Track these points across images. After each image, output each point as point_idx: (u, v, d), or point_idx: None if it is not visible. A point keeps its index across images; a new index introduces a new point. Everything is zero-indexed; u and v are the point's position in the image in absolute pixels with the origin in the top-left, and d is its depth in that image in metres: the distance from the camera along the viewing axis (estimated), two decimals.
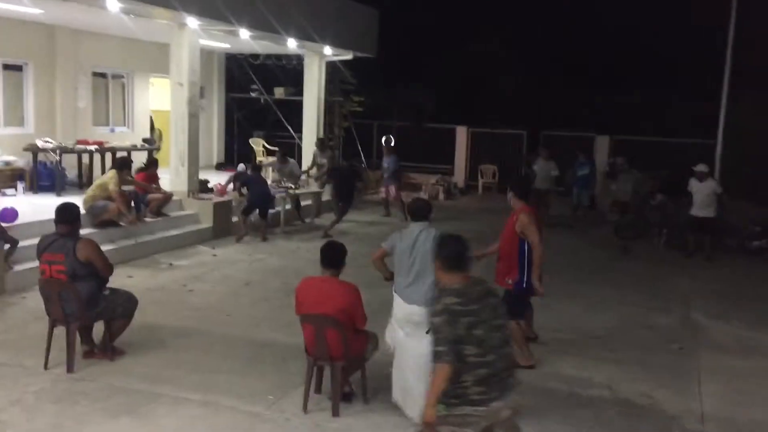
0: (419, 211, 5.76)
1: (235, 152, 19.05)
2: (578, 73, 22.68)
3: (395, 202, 15.03)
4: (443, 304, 3.83)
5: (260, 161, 16.08)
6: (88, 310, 5.96)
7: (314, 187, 14.59)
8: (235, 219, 12.14)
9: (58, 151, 11.90)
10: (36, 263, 7.62)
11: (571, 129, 19.64)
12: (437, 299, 3.96)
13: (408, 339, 5.33)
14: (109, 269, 6.11)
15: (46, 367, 5.97)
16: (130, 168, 11.01)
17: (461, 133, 21.01)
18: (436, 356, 3.74)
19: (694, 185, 11.84)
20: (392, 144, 17.55)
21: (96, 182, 10.52)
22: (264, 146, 17.99)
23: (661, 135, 18.80)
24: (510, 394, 3.94)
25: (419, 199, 6.23)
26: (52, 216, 8.57)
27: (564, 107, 21.89)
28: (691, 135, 18.26)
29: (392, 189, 15.06)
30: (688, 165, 16.48)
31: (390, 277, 5.74)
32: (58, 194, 11.51)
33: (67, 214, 6.05)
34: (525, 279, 6.44)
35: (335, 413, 5.32)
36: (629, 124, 19.57)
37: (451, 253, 4.03)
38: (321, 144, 15.32)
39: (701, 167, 11.96)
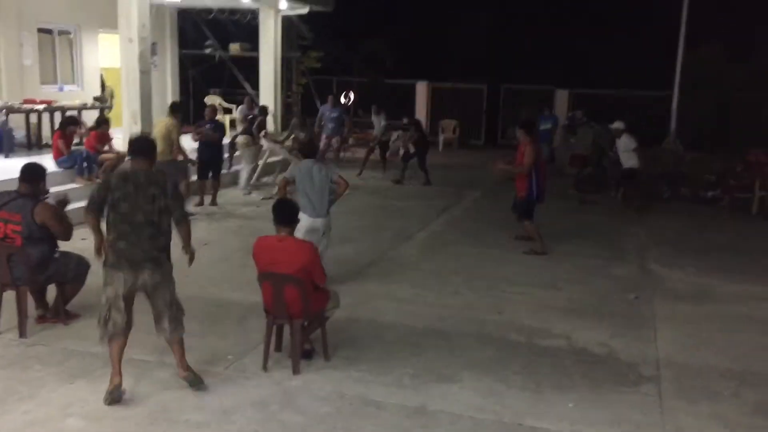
0: (311, 151, 7.91)
1: (190, 110, 18.63)
2: (537, 26, 22.62)
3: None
4: (103, 179, 5.15)
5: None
6: (38, 274, 5.81)
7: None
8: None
9: (4, 111, 11.48)
10: None
11: (531, 83, 19.64)
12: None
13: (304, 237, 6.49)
14: (68, 234, 5.88)
15: None
16: (76, 126, 10.74)
17: (422, 89, 20.86)
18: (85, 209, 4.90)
19: (617, 141, 12.09)
20: (347, 99, 17.45)
21: (157, 136, 9.47)
22: (220, 104, 17.62)
23: (620, 88, 18.91)
24: (143, 267, 4.73)
25: (309, 142, 8.60)
26: (1, 178, 8.34)
27: (524, 61, 21.85)
28: (650, 88, 18.43)
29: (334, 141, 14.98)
30: (647, 117, 16.72)
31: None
32: (6, 155, 11.15)
33: (29, 174, 5.85)
34: (534, 191, 8.77)
35: (296, 371, 5.30)
36: (588, 77, 19.63)
37: (138, 144, 5.03)
38: (303, 123, 14.87)
39: (616, 124, 12.23)
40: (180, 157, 10.13)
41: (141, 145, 5.03)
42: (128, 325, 4.86)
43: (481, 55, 22.19)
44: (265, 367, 5.35)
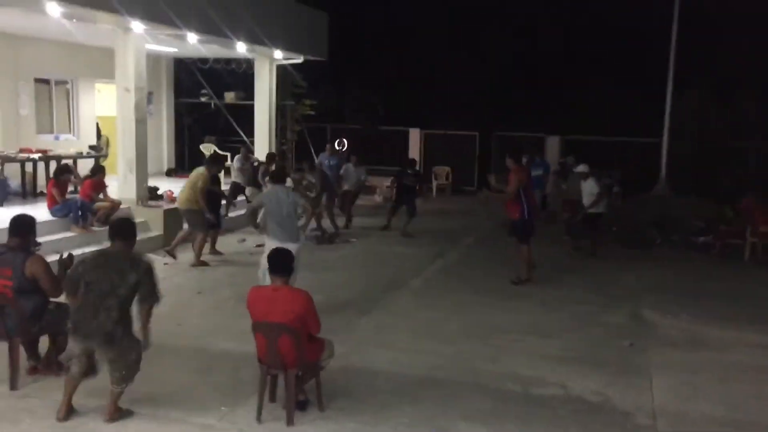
0: (279, 177, 8.25)
1: (185, 158, 18.75)
2: (529, 74, 22.99)
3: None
4: (84, 255, 5.49)
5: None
6: (31, 325, 5.77)
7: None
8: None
9: (0, 160, 11.54)
10: None
11: (523, 129, 19.88)
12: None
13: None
14: (57, 291, 5.75)
15: None
16: (70, 174, 10.83)
17: (414, 135, 21.09)
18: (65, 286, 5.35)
19: (581, 185, 12.15)
20: (341, 146, 17.54)
21: (187, 185, 10.43)
22: (215, 151, 17.73)
23: (610, 134, 19.16)
24: (106, 341, 5.01)
25: (279, 169, 8.90)
26: None
27: (514, 108, 22.14)
28: (641, 134, 18.68)
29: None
30: (637, 163, 16.92)
31: (257, 227, 8.18)
32: (1, 204, 11.16)
33: (19, 227, 5.81)
34: (525, 215, 9.49)
35: (290, 422, 5.25)
36: (579, 124, 19.89)
37: (117, 226, 5.37)
38: (311, 165, 14.80)
39: (581, 168, 12.34)
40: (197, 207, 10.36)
41: (119, 228, 5.36)
42: (84, 374, 5.22)
43: (472, 102, 22.48)
44: (259, 419, 5.30)
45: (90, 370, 5.25)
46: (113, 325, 5.01)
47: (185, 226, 10.78)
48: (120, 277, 5.03)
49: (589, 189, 11.95)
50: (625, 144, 19.06)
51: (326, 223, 13.06)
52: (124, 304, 5.06)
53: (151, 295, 5.20)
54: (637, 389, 6.20)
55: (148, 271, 5.17)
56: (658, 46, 17.51)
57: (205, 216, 10.44)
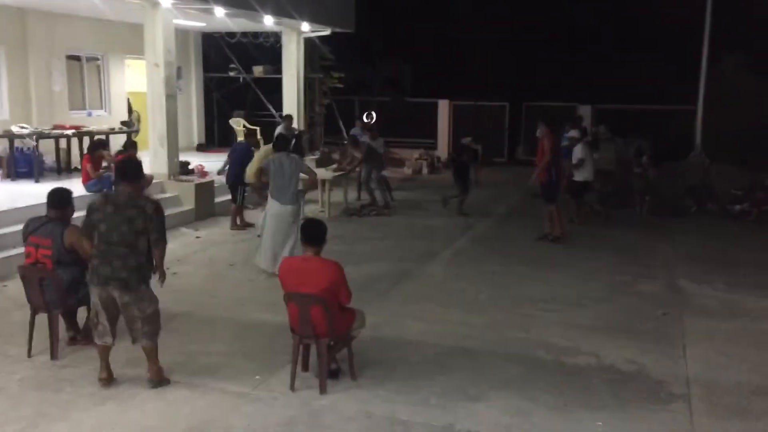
0: (284, 145, 8.92)
1: (215, 133, 18.86)
2: (559, 42, 22.61)
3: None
4: (91, 201, 5.30)
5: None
6: (69, 297, 5.90)
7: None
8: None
9: (34, 137, 11.72)
10: (16, 251, 7.59)
11: (554, 99, 19.60)
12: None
13: (274, 223, 8.33)
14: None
15: (29, 354, 5.91)
16: (105, 150, 10.96)
17: (443, 107, 20.91)
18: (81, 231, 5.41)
19: (574, 150, 11.68)
20: (369, 119, 17.49)
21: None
22: (244, 126, 17.81)
23: (644, 102, 18.81)
24: (121, 286, 5.05)
25: (281, 137, 9.54)
26: (31, 203, 8.52)
27: (546, 78, 21.83)
28: (674, 102, 18.31)
29: None
30: (671, 132, 16.58)
31: (262, 185, 9.06)
32: (37, 180, 11.36)
33: (57, 199, 5.98)
34: (552, 177, 10.29)
35: (323, 390, 5.31)
36: (611, 92, 19.55)
37: (123, 168, 5.34)
38: (354, 140, 14.74)
39: (571, 133, 12.05)
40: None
41: (125, 169, 5.36)
42: (110, 333, 5.30)
43: (503, 73, 22.21)
44: (292, 387, 5.36)
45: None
46: (128, 272, 5.07)
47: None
48: (128, 224, 5.04)
49: (576, 154, 11.63)
50: (658, 112, 18.70)
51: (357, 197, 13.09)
52: (136, 249, 5.09)
53: (159, 239, 5.20)
54: (671, 358, 6.16)
55: (156, 212, 5.14)
56: (693, 13, 17.06)
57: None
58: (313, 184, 8.91)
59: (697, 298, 7.96)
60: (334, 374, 5.55)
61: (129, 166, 5.46)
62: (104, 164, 11.06)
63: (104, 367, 5.37)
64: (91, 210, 5.20)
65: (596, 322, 7.07)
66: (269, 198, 8.52)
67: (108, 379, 5.35)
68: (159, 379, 5.36)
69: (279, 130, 13.97)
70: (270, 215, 8.42)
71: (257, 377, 5.59)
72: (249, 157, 10.92)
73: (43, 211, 6.06)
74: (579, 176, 11.50)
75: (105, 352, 5.37)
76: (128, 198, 5.13)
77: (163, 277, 5.45)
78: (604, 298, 7.89)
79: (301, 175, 8.55)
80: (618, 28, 21.96)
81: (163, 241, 5.26)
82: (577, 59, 22.05)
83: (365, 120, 18.23)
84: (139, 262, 5.13)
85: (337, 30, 16.57)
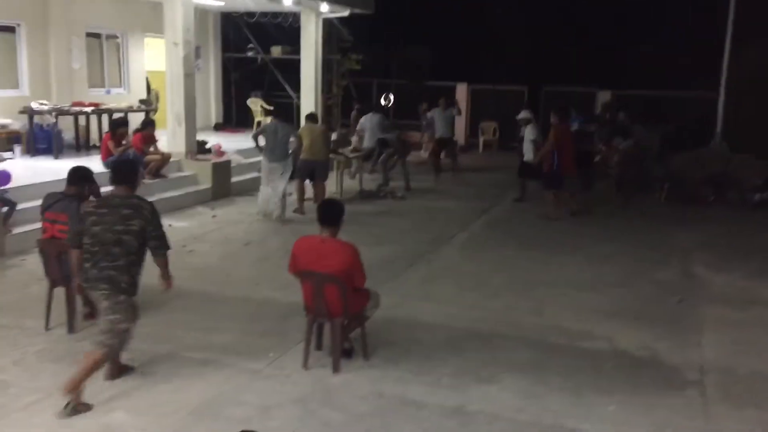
0: (281, 115, 11.18)
1: (233, 112, 18.89)
2: (580, 26, 22.33)
3: None
4: (84, 208, 5.15)
5: None
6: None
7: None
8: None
9: (54, 114, 11.80)
10: (35, 225, 7.66)
11: (573, 84, 19.42)
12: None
13: (267, 175, 10.47)
14: None
15: (47, 328, 5.99)
16: (126, 128, 10.99)
17: (461, 90, 20.78)
18: (69, 240, 5.21)
19: (524, 130, 12.14)
20: (387, 102, 17.50)
21: (318, 140, 10.99)
22: (262, 106, 17.83)
23: (664, 89, 18.59)
24: (105, 287, 4.78)
25: (280, 109, 12.05)
26: (50, 178, 8.58)
27: (565, 62, 21.60)
28: (694, 88, 18.07)
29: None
30: (692, 119, 16.37)
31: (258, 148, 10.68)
32: (56, 157, 11.46)
33: (78, 176, 6.06)
34: (554, 167, 10.74)
35: (336, 369, 5.34)
36: (631, 78, 19.34)
37: (119, 171, 5.17)
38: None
39: (522, 114, 12.46)
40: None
41: (121, 172, 5.14)
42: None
43: (522, 56, 21.99)
44: (305, 365, 5.40)
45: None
46: (117, 272, 4.77)
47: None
48: (123, 222, 4.78)
49: (527, 136, 11.91)
50: (679, 99, 18.47)
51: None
52: (130, 252, 4.80)
53: (160, 244, 4.96)
54: (686, 345, 6.12)
55: (153, 214, 4.89)
56: None
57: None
58: (298, 147, 10.61)
59: (714, 286, 7.90)
60: (347, 353, 5.57)
61: (124, 167, 5.31)
62: (123, 142, 11.13)
63: (78, 381, 4.72)
64: (84, 216, 4.93)
65: (610, 308, 7.04)
66: (263, 155, 10.48)
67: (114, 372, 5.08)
68: (75, 401, 4.67)
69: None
70: (264, 169, 10.55)
71: (270, 355, 5.63)
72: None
73: (62, 188, 6.11)
74: (527, 156, 11.91)
75: (96, 363, 4.88)
76: (123, 198, 4.91)
77: (169, 283, 5.17)
78: (619, 284, 7.85)
79: (292, 139, 10.50)
80: (640, 10, 21.64)
81: (165, 247, 4.99)
82: (598, 43, 21.77)
83: (382, 102, 18.19)
84: (130, 263, 4.82)
85: (356, 11, 16.49)
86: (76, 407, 4.65)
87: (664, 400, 5.09)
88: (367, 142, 14.00)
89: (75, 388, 4.68)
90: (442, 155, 15.34)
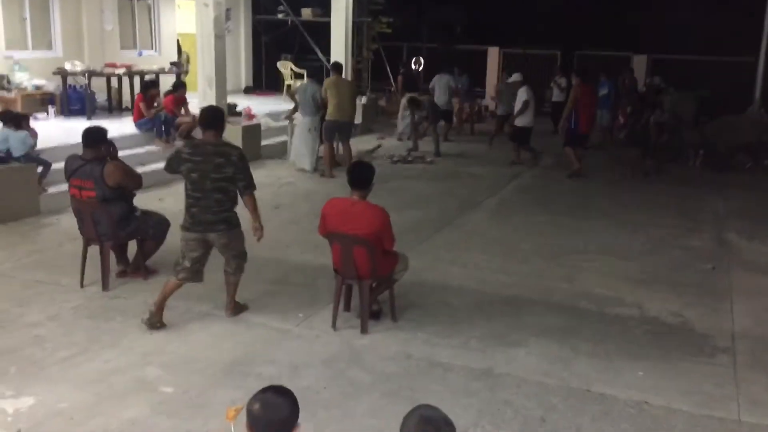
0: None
1: (263, 76, 18.86)
2: None
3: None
4: (177, 149, 5.53)
5: None
6: (120, 230, 6.05)
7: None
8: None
9: (86, 75, 11.89)
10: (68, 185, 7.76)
11: (607, 48, 19.03)
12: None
13: (300, 130, 11.35)
14: (139, 183, 6.20)
15: (81, 285, 6.11)
16: (157, 89, 11.06)
17: (493, 54, 20.52)
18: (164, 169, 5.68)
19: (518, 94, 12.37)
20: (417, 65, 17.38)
21: (349, 96, 11.24)
22: (292, 69, 17.78)
23: (701, 53, 18.13)
24: (223, 227, 5.32)
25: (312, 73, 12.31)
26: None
27: (599, 25, 21.12)
28: (734, 53, 17.60)
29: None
30: (729, 84, 15.97)
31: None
32: (89, 118, 11.56)
33: (90, 138, 6.01)
34: (572, 125, 11.36)
35: (364, 330, 5.39)
36: (667, 41, 18.87)
37: (207, 116, 5.42)
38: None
39: (514, 77, 13.16)
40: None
41: (210, 116, 5.41)
42: (194, 275, 5.43)
43: (555, 19, 21.54)
44: (334, 326, 5.45)
45: (196, 276, 5.44)
46: (218, 215, 5.28)
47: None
48: (218, 170, 5.19)
49: (520, 97, 12.09)
50: (716, 63, 18.01)
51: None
52: (229, 193, 5.29)
53: (247, 184, 5.36)
54: (716, 312, 6.06)
55: (241, 159, 5.27)
56: None
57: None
58: (324, 106, 10.94)
59: (746, 254, 7.79)
60: (376, 315, 5.61)
61: (213, 114, 5.52)
62: (155, 104, 11.20)
63: (159, 304, 5.32)
64: (179, 157, 5.32)
65: (641, 275, 6.98)
66: (298, 112, 11.39)
67: (153, 318, 5.29)
68: (236, 312, 5.61)
69: None
70: (296, 124, 11.48)
71: (300, 315, 5.69)
72: None
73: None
74: (520, 122, 12.11)
75: (171, 289, 5.38)
76: (214, 146, 5.26)
77: (260, 233, 5.55)
78: (650, 251, 7.77)
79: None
80: None
81: (251, 187, 5.38)
82: (632, 6, 21.23)
83: (413, 66, 18.03)
84: (232, 200, 5.34)
85: None
86: (240, 309, 5.67)
87: (694, 366, 5.06)
88: (439, 101, 14.29)
89: (235, 304, 5.62)
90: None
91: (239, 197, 5.42)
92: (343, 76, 12.99)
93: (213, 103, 11.93)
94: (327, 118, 10.99)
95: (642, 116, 13.99)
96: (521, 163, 12.45)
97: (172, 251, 6.70)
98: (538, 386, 4.71)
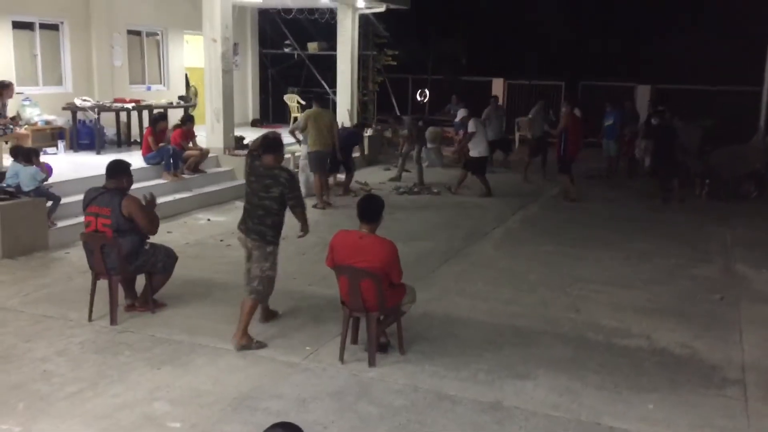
0: (320, 101, 12.06)
1: (270, 108, 19.04)
2: (618, 19, 22.04)
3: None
4: (250, 164, 5.91)
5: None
6: (129, 264, 6.09)
7: None
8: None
9: (96, 110, 12.04)
10: (78, 219, 7.84)
11: (611, 79, 19.16)
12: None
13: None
14: (152, 227, 6.17)
15: (90, 319, 6.12)
16: (166, 122, 11.18)
17: (497, 85, 20.66)
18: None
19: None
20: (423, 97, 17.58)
21: (325, 128, 11.09)
22: (298, 102, 17.96)
23: (705, 83, 18.24)
24: (256, 237, 5.78)
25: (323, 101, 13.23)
26: (93, 173, 8.76)
27: (603, 56, 21.35)
28: (736, 82, 17.70)
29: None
30: (733, 114, 16.01)
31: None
32: (98, 152, 11.70)
33: (115, 170, 6.18)
34: (561, 152, 11.95)
35: (371, 363, 5.37)
36: (671, 72, 19.02)
37: (266, 142, 5.91)
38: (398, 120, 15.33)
39: (460, 112, 13.38)
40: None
41: (271, 143, 5.92)
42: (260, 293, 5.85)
43: (559, 51, 21.79)
44: (341, 359, 5.44)
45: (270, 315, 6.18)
46: (265, 228, 5.75)
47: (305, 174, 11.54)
48: (265, 190, 5.69)
49: (470, 129, 12.37)
50: (720, 93, 18.11)
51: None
52: (271, 212, 5.74)
53: (297, 204, 5.88)
54: (726, 343, 6.03)
55: (289, 182, 5.75)
56: None
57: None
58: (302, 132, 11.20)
59: (755, 284, 7.76)
60: (383, 348, 5.60)
61: (272, 140, 5.98)
62: (165, 137, 11.31)
63: (243, 328, 5.65)
64: (247, 171, 5.91)
65: (649, 305, 6.96)
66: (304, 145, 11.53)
67: (244, 341, 5.62)
68: (244, 345, 5.62)
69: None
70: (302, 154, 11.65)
71: (307, 348, 5.69)
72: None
73: (103, 182, 6.24)
74: (474, 152, 12.37)
75: (244, 310, 5.70)
76: (267, 168, 5.75)
77: (305, 230, 6.14)
78: (657, 281, 7.75)
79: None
80: (679, 3, 21.27)
81: (300, 206, 5.92)
82: (636, 37, 21.46)
83: (418, 98, 18.19)
84: (274, 222, 5.78)
85: (392, 6, 16.50)
86: (252, 346, 5.62)
87: (704, 398, 5.02)
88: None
89: (243, 334, 5.63)
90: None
91: (281, 221, 5.86)
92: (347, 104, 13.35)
93: (220, 136, 12.11)
94: (309, 150, 11.06)
95: (661, 144, 13.86)
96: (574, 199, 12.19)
97: (180, 283, 6.73)
98: (546, 419, 4.67)
